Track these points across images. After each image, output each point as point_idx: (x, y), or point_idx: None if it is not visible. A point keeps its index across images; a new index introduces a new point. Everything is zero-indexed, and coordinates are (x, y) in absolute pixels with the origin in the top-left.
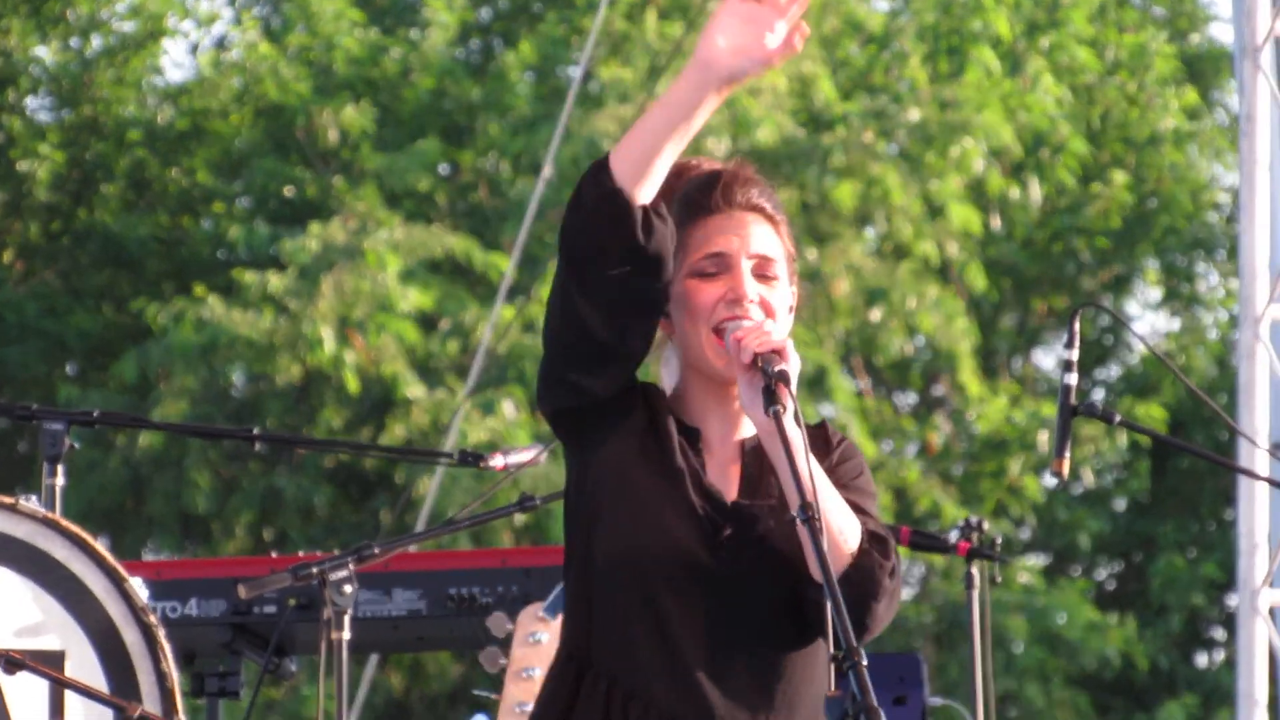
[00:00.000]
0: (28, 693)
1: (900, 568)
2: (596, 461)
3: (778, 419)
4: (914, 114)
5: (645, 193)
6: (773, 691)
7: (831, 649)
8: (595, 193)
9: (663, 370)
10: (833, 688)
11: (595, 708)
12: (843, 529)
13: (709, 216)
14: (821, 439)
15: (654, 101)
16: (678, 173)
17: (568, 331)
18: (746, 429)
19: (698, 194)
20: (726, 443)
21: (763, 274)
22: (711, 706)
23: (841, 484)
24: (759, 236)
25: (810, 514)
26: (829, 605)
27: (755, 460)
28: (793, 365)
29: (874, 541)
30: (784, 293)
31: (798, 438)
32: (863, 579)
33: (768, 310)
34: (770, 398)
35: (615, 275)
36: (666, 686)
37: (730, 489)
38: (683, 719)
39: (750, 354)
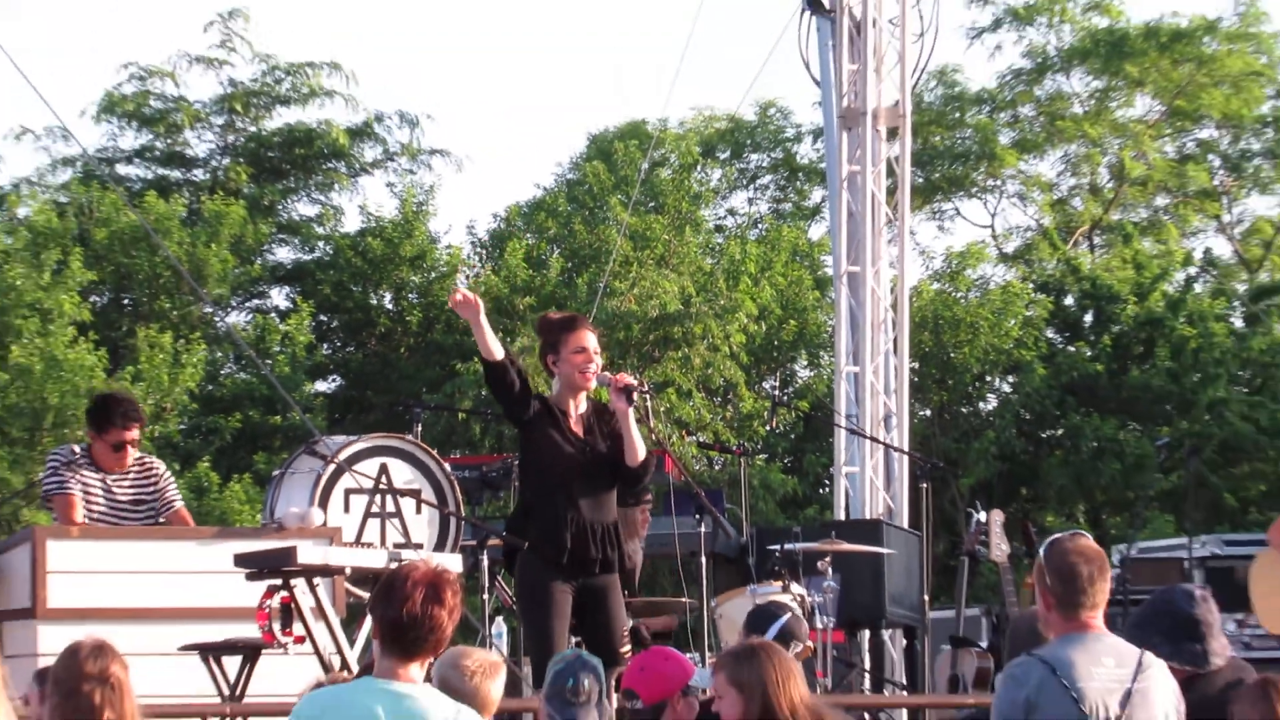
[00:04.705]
0: (410, 509)
1: (652, 463)
2: (528, 429)
3: (634, 409)
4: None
5: (497, 354)
6: (606, 507)
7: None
8: (490, 370)
9: (554, 386)
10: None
11: (547, 517)
12: (640, 449)
13: (574, 331)
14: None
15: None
16: (556, 318)
17: (500, 403)
18: (583, 407)
19: (567, 322)
20: (575, 415)
21: (596, 351)
22: (585, 517)
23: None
24: (592, 339)
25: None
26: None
27: (590, 422)
28: (636, 388)
29: (648, 454)
30: (598, 360)
31: (631, 419)
32: (646, 465)
33: (597, 366)
34: (629, 399)
35: (510, 390)
36: (569, 511)
37: (580, 433)
38: (575, 523)
39: (623, 383)
